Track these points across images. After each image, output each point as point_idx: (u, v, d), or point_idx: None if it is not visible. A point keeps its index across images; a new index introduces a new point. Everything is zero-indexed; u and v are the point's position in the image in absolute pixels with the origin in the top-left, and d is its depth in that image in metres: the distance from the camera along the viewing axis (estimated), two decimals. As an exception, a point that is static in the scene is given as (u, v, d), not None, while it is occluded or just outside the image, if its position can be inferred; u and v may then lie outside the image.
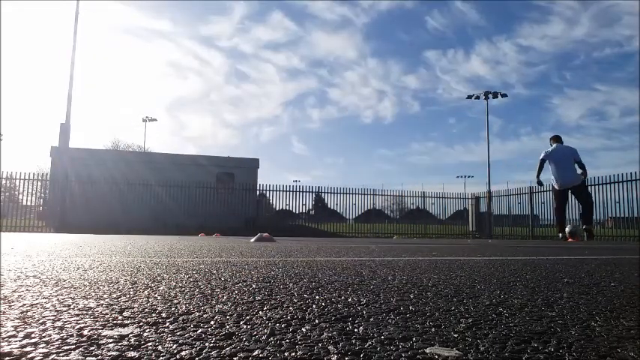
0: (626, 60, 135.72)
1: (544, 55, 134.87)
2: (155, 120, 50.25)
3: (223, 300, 1.24)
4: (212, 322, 0.95)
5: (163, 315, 1.02)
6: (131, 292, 1.35)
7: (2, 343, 0.75)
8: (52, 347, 0.74)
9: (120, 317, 0.98)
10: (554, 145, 8.04)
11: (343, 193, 21.51)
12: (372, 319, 1.01)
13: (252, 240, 7.29)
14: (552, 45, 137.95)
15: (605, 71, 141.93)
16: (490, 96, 30.90)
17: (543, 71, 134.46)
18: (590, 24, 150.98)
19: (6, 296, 1.23)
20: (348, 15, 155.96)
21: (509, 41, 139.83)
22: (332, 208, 22.16)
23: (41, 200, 19.98)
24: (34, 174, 18.49)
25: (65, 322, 0.93)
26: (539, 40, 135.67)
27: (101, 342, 0.77)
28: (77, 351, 0.72)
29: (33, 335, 0.81)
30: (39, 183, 18.85)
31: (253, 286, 1.55)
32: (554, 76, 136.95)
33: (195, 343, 0.78)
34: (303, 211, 22.15)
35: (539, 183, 8.37)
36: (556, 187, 7.94)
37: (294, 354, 0.73)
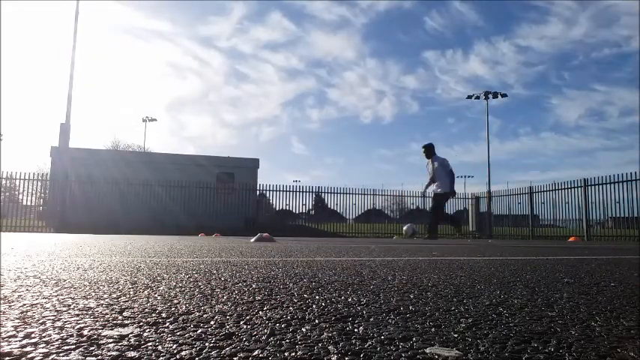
0: (624, 60, 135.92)
1: (543, 55, 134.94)
2: (155, 120, 50.32)
3: (223, 300, 1.24)
4: (212, 322, 0.95)
5: (163, 315, 1.02)
6: (131, 292, 1.35)
7: (2, 343, 0.75)
8: (52, 347, 0.74)
9: (120, 317, 0.98)
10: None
11: (343, 193, 21.50)
12: (372, 319, 1.01)
13: (252, 240, 7.29)
14: (551, 45, 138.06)
15: (604, 71, 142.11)
16: (490, 96, 30.92)
17: (542, 71, 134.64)
18: (588, 24, 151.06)
19: (6, 296, 1.23)
20: (347, 15, 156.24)
21: (507, 41, 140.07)
22: (332, 208, 22.14)
23: (41, 200, 19.99)
24: (34, 174, 18.50)
25: (65, 322, 0.93)
26: (537, 41, 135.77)
27: (101, 342, 0.77)
28: (77, 351, 0.72)
29: (33, 335, 0.81)
30: (39, 183, 18.85)
31: (253, 286, 1.55)
32: (552, 77, 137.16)
33: (195, 343, 0.78)
34: (303, 211, 22.14)
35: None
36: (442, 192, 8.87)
37: (294, 354, 0.73)
